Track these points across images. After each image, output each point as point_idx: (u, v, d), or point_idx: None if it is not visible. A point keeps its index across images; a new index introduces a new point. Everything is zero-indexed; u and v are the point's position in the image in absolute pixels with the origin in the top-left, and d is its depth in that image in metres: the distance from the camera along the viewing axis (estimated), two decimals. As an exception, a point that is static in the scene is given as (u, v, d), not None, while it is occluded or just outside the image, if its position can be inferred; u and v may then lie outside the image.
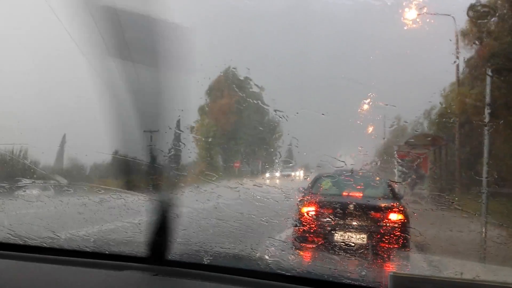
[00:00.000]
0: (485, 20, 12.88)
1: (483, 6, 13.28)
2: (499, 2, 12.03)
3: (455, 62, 16.01)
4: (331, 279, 1.52)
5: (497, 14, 11.90)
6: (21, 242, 1.98)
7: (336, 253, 5.87)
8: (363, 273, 1.78)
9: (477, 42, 13.40)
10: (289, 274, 1.56)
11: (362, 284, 1.46)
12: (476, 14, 13.46)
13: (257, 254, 1.82)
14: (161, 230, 1.68)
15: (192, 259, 1.74)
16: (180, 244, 1.87)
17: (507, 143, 11.96)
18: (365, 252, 5.91)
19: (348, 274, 1.65)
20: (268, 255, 1.84)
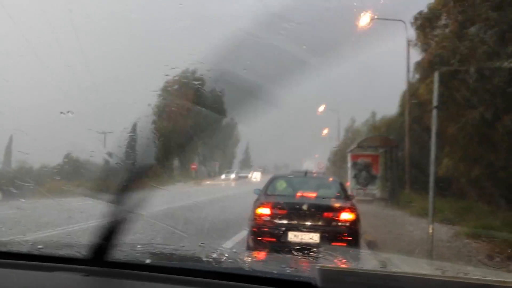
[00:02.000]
0: (430, 28, 13.46)
1: (427, 14, 13.90)
2: (442, 11, 12.59)
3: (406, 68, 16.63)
4: (271, 276, 1.56)
5: (440, 22, 12.45)
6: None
7: (289, 252, 5.97)
8: (300, 268, 1.84)
9: (424, 47, 13.97)
10: (233, 272, 1.60)
11: (295, 279, 1.51)
12: (421, 22, 14.06)
13: (207, 254, 1.84)
14: (106, 232, 1.68)
15: (132, 260, 1.73)
16: (125, 246, 1.87)
17: (454, 144, 12.50)
18: (317, 251, 6.04)
19: (287, 271, 1.71)
20: (218, 255, 1.87)
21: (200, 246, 2.21)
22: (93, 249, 1.69)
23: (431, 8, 13.36)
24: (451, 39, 10.90)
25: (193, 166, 41.16)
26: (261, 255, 3.17)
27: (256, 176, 48.17)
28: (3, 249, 1.89)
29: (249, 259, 2.31)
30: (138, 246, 2.09)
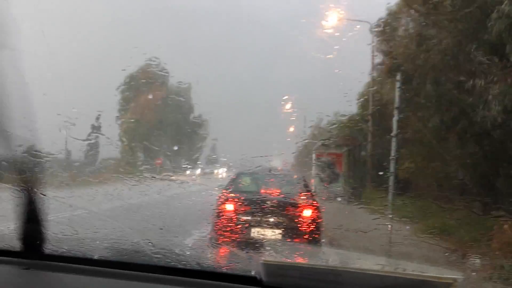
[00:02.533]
0: (389, 33, 13.82)
1: (387, 18, 14.27)
2: (401, 15, 12.95)
3: (370, 69, 16.98)
4: (218, 271, 1.59)
5: (401, 26, 12.80)
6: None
7: (252, 248, 6.02)
8: (247, 263, 1.88)
9: (384, 50, 14.32)
10: (180, 267, 1.62)
11: (241, 274, 1.55)
12: (381, 25, 14.41)
13: (154, 249, 1.84)
14: (33, 224, 1.66)
15: (74, 254, 1.72)
16: (68, 240, 1.85)
17: (413, 145, 12.87)
18: (280, 247, 6.14)
19: (236, 266, 1.74)
20: (166, 251, 1.87)
21: (147, 241, 2.20)
22: (25, 240, 1.66)
23: (391, 13, 13.73)
24: (408, 45, 11.25)
25: (158, 161, 40.62)
26: (213, 250, 3.20)
27: (222, 172, 47.92)
28: None
29: (200, 255, 2.33)
30: (81, 240, 2.07)
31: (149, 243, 2.16)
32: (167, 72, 47.22)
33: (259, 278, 1.46)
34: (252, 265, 1.84)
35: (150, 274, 1.58)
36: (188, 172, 42.65)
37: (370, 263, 2.39)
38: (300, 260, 2.08)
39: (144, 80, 42.28)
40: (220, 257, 2.37)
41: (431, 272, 1.80)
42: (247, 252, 2.35)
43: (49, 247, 1.67)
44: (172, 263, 1.70)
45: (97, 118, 36.15)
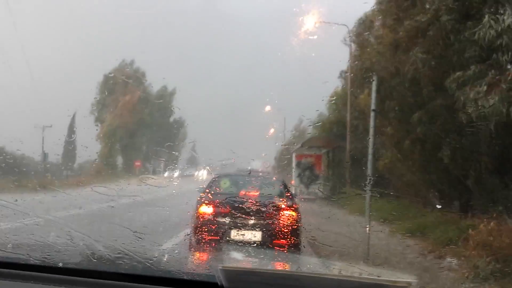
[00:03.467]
0: (365, 36, 14.02)
1: (363, 22, 14.46)
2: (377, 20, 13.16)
3: (346, 72, 17.17)
4: (177, 277, 1.58)
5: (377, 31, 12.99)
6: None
7: (231, 250, 6.00)
8: (207, 268, 1.87)
9: (360, 53, 14.54)
10: (137, 274, 1.60)
11: (201, 279, 1.55)
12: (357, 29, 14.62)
13: (111, 255, 1.81)
14: None
15: (12, 260, 1.68)
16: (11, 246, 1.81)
17: (389, 147, 13.04)
18: (259, 249, 6.13)
19: (196, 271, 1.74)
20: (123, 256, 1.85)
21: (110, 246, 2.16)
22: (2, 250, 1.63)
23: (368, 17, 13.93)
24: (383, 50, 11.43)
25: (137, 163, 40.26)
26: (182, 256, 3.17)
27: (202, 175, 47.68)
28: None
29: (166, 261, 2.30)
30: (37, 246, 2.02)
31: (113, 249, 2.12)
32: (144, 74, 46.72)
33: (220, 284, 1.46)
34: (209, 269, 1.84)
35: (98, 280, 1.56)
36: (167, 174, 42.40)
37: (335, 268, 2.42)
38: (258, 265, 2.08)
39: (121, 82, 41.97)
40: (185, 263, 2.36)
41: (387, 275, 1.83)
42: (211, 257, 2.34)
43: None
44: (132, 270, 1.68)
45: (73, 120, 35.60)
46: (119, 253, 2.04)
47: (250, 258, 2.20)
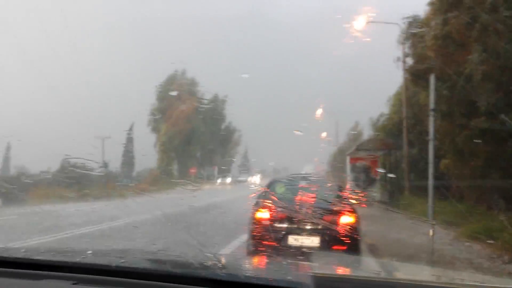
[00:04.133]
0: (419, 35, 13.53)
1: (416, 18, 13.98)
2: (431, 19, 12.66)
3: (400, 72, 16.66)
4: (265, 283, 1.52)
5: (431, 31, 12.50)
6: None
7: (286, 257, 5.93)
8: (295, 275, 1.79)
9: (415, 52, 14.05)
10: (225, 279, 1.56)
11: (290, 286, 1.48)
12: (412, 26, 14.13)
13: (198, 260, 1.79)
14: None
15: (126, 268, 1.69)
16: (120, 253, 1.84)
17: (450, 147, 12.49)
18: (319, 255, 6.02)
19: (283, 278, 1.67)
20: (210, 261, 1.82)
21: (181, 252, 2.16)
22: (83, 256, 1.64)
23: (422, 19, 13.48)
24: (438, 48, 10.97)
25: (192, 170, 41.06)
26: (258, 260, 3.12)
27: (255, 180, 48.01)
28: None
29: (244, 265, 2.26)
30: (130, 253, 2.04)
31: (196, 254, 2.12)
32: (197, 83, 47.75)
33: None
34: (299, 276, 1.76)
35: (197, 287, 1.53)
36: (221, 180, 43.04)
37: (427, 274, 2.27)
38: (349, 271, 1.98)
39: (176, 92, 43.13)
40: (263, 268, 2.30)
41: (488, 281, 1.68)
42: (291, 263, 2.26)
43: (109, 260, 1.66)
44: (220, 275, 1.63)
45: (131, 130, 36.91)
46: (180, 257, 2.04)
47: (337, 265, 2.11)
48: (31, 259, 1.81)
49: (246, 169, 64.91)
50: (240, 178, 47.43)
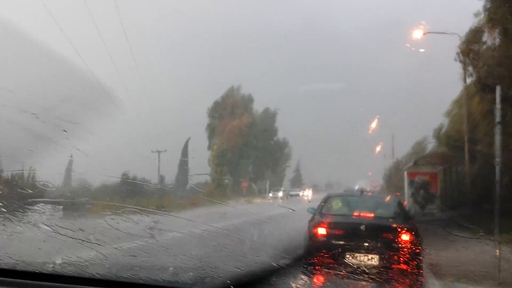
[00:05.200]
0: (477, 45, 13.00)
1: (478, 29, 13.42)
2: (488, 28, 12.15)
3: (464, 82, 15.99)
4: None
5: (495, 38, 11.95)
6: (29, 269, 1.95)
7: (346, 274, 5.75)
8: None
9: (475, 63, 13.46)
10: None
11: None
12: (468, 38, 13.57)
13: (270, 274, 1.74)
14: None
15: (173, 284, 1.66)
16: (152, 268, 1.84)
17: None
18: (377, 273, 5.81)
19: None
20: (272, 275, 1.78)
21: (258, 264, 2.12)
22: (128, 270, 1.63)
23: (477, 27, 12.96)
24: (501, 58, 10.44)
25: (244, 184, 41.28)
26: (314, 278, 3.01)
27: (307, 194, 47.56)
28: (29, 268, 1.89)
29: (300, 282, 2.19)
30: (171, 269, 2.02)
31: (236, 269, 2.09)
32: (252, 98, 48.36)
33: None
34: None
35: None
36: (273, 194, 42.99)
37: None
38: None
39: (229, 107, 43.85)
40: (320, 286, 2.22)
41: None
42: (349, 282, 2.16)
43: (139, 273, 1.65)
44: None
45: (186, 144, 37.69)
46: (231, 273, 2.01)
47: (402, 283, 2.00)
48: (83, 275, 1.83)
49: (298, 183, 64.52)
50: (292, 192, 47.11)
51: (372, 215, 6.68)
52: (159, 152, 28.67)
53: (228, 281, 1.86)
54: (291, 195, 45.53)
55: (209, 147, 41.95)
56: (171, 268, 2.26)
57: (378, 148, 41.46)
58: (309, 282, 2.51)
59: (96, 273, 1.82)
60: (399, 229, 6.16)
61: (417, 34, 16.20)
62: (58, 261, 1.94)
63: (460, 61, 16.16)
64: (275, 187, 46.51)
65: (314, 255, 6.07)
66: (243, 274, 1.97)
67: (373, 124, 33.00)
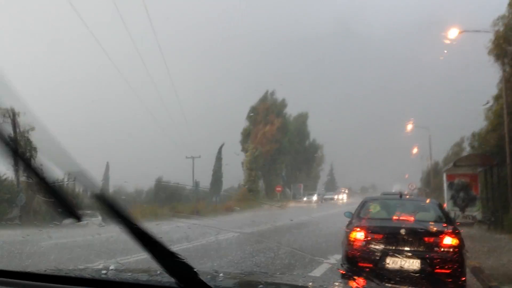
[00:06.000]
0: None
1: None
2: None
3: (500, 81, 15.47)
4: None
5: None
6: (73, 275, 1.99)
7: (387, 279, 5.64)
8: None
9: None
10: None
11: None
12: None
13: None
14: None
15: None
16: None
17: None
18: (419, 278, 5.66)
19: None
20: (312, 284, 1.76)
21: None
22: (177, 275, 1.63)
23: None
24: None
25: (278, 188, 41.20)
26: (353, 283, 2.95)
27: (342, 198, 47.01)
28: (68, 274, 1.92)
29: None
30: (220, 274, 2.01)
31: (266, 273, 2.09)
32: (285, 103, 48.42)
33: None
34: None
35: None
36: (305, 198, 42.73)
37: None
38: None
39: (263, 112, 43.98)
40: None
41: None
42: (396, 286, 2.11)
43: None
44: None
45: (220, 150, 37.94)
46: (269, 276, 1.99)
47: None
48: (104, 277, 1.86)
49: (332, 186, 63.95)
50: (326, 196, 46.70)
51: (412, 218, 6.51)
52: (193, 158, 28.97)
53: (262, 286, 1.85)
54: (326, 199, 45.12)
55: (243, 152, 42.16)
56: (209, 272, 2.28)
57: (414, 150, 40.53)
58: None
59: (132, 277, 1.85)
60: (441, 233, 5.98)
61: (452, 33, 15.80)
62: (111, 266, 1.98)
63: (498, 59, 15.70)
64: (309, 191, 46.19)
65: (353, 259, 5.97)
66: (277, 281, 1.95)
67: (409, 126, 32.24)
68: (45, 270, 1.82)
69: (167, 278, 1.46)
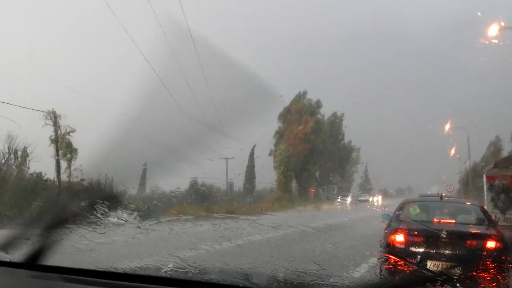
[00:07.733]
0: None
1: None
2: None
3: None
4: None
5: None
6: (112, 270, 2.07)
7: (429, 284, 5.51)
8: None
9: None
10: None
11: None
12: None
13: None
14: None
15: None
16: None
17: None
18: (461, 282, 5.53)
19: None
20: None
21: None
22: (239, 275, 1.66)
23: None
24: None
25: (312, 190, 40.95)
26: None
27: (377, 200, 46.30)
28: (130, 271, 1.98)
29: None
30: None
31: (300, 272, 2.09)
32: (319, 103, 48.05)
33: None
34: None
35: None
36: (341, 199, 42.28)
37: None
38: None
39: (295, 113, 43.80)
40: None
41: None
42: None
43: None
44: None
45: (252, 151, 37.97)
46: (303, 277, 2.00)
47: None
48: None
49: (367, 188, 62.98)
50: (361, 198, 46.07)
51: (453, 221, 6.37)
52: (227, 159, 29.20)
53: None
54: (360, 201, 44.49)
55: (275, 153, 42.13)
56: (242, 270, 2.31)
57: (452, 151, 39.53)
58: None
59: (172, 275, 1.91)
60: (483, 236, 5.83)
61: (492, 30, 15.33)
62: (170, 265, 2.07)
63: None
64: (343, 193, 45.67)
65: (391, 263, 5.88)
66: (315, 283, 1.97)
67: (447, 126, 31.45)
68: (124, 268, 1.89)
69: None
